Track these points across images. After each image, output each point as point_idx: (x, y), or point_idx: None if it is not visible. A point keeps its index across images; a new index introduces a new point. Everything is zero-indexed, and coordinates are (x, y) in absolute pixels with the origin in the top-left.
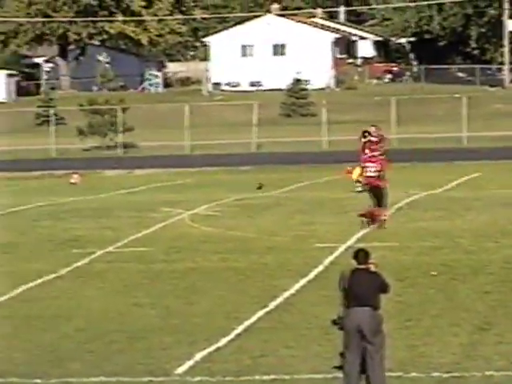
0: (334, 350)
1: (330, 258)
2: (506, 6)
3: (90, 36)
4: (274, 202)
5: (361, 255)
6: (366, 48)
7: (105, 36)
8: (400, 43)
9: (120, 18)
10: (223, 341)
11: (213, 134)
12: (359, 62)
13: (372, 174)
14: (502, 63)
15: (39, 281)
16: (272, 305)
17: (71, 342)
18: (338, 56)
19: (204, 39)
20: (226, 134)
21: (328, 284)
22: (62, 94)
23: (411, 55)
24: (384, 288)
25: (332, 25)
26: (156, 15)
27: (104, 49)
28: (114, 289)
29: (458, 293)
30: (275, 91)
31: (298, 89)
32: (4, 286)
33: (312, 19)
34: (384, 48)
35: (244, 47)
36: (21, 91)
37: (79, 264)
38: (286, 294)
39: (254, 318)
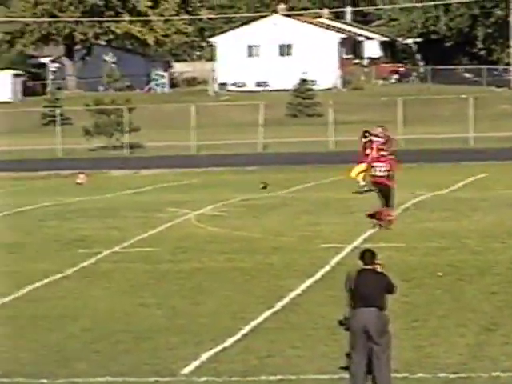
0: (341, 351)
1: (336, 259)
2: None
3: (96, 36)
4: (280, 203)
5: (367, 256)
6: (372, 48)
7: (111, 36)
8: (406, 44)
9: (126, 18)
10: (229, 341)
11: (219, 135)
12: (366, 62)
13: (381, 174)
14: (508, 64)
15: (45, 281)
16: (278, 305)
17: (77, 342)
18: (345, 56)
19: (210, 39)
20: (232, 135)
21: (334, 284)
22: (68, 94)
23: (418, 56)
24: (390, 288)
25: (338, 25)
26: (162, 15)
27: (110, 49)
28: (120, 289)
29: (465, 293)
30: (281, 91)
31: (304, 89)
32: (10, 286)
33: (318, 19)
34: (390, 48)
35: (250, 47)
36: (27, 91)
37: (85, 264)
38: (293, 295)
39: (260, 319)
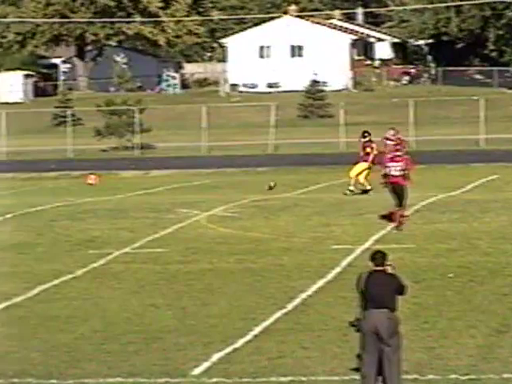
0: (351, 352)
1: (348, 260)
2: None
3: (108, 37)
4: (291, 204)
5: (378, 257)
6: (383, 50)
7: (122, 37)
8: (418, 45)
9: (137, 18)
10: (240, 342)
11: (230, 136)
12: (377, 63)
13: (397, 173)
14: None
15: (56, 281)
16: (289, 306)
17: (88, 343)
18: (356, 58)
19: (221, 40)
20: (243, 136)
21: (345, 285)
22: (79, 95)
23: (429, 57)
24: (401, 290)
25: (350, 26)
26: (173, 16)
27: (121, 49)
28: (131, 290)
29: (476, 295)
30: (293, 92)
31: (315, 90)
32: (20, 287)
33: (330, 21)
34: (402, 50)
35: (261, 48)
36: (38, 92)
37: (96, 265)
38: (304, 296)
39: (271, 320)
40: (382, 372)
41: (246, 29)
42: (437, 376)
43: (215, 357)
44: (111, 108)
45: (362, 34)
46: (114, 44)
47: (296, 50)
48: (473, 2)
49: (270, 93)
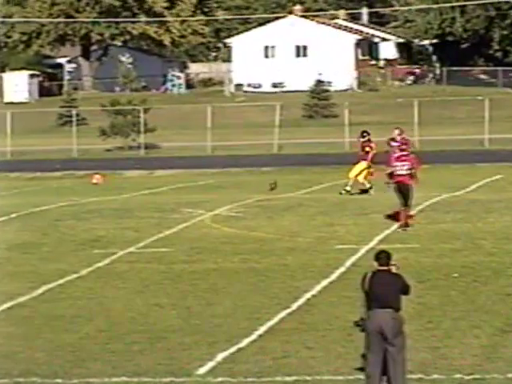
0: (356, 352)
1: (352, 260)
2: None
3: (113, 36)
4: (295, 203)
5: (382, 257)
6: (388, 50)
7: (127, 37)
8: (422, 45)
9: (143, 18)
10: (245, 341)
11: (235, 135)
12: (382, 63)
13: (403, 172)
14: None
15: (60, 281)
16: (293, 306)
17: (92, 343)
18: (361, 57)
19: (226, 40)
20: (248, 135)
21: (349, 285)
22: (85, 95)
23: (434, 57)
24: (405, 289)
25: (355, 26)
26: (178, 16)
27: (126, 49)
28: (135, 289)
29: (480, 295)
30: (297, 92)
31: (320, 90)
32: (25, 286)
33: (334, 21)
34: (406, 50)
35: (266, 48)
36: (43, 91)
37: (100, 264)
38: (308, 295)
39: (275, 319)
40: (386, 372)
41: (250, 29)
42: (441, 376)
43: (220, 356)
44: (116, 108)
45: (367, 33)
46: (119, 44)
47: (301, 50)
48: (477, 2)
49: (274, 93)
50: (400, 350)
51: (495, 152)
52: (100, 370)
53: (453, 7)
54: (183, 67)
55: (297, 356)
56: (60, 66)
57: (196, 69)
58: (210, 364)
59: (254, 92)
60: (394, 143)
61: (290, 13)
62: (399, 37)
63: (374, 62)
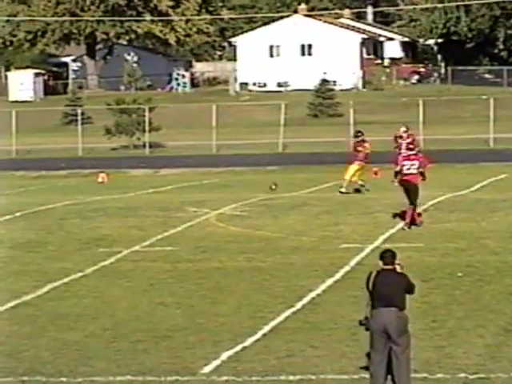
0: (361, 351)
1: (357, 259)
2: None
3: (118, 35)
4: (300, 202)
5: (387, 256)
6: (393, 49)
7: (132, 35)
8: (427, 44)
9: (148, 17)
10: (249, 340)
11: (240, 134)
12: (386, 62)
13: (410, 172)
14: None
15: (65, 279)
16: (298, 305)
17: (97, 341)
18: (366, 57)
19: (231, 39)
20: (253, 134)
21: (354, 284)
22: (90, 94)
23: (438, 56)
24: (410, 289)
25: (359, 25)
26: (183, 15)
27: (132, 48)
28: (140, 288)
29: (484, 294)
30: (302, 91)
31: (325, 89)
32: (31, 285)
33: (339, 20)
34: (411, 49)
35: (271, 47)
36: (48, 90)
37: (105, 263)
38: (312, 294)
39: (280, 318)
40: (390, 371)
41: (255, 28)
42: (446, 375)
43: (224, 355)
44: (121, 106)
45: (372, 33)
46: (124, 43)
47: (306, 49)
48: (482, 2)
49: (279, 92)
50: (404, 349)
51: (500, 151)
52: (105, 368)
53: (458, 6)
54: (188, 66)
55: (301, 355)
56: (65, 64)
57: (201, 68)
58: (215, 363)
59: (259, 91)
60: (401, 140)
61: (295, 12)
62: (404, 36)
63: (378, 61)
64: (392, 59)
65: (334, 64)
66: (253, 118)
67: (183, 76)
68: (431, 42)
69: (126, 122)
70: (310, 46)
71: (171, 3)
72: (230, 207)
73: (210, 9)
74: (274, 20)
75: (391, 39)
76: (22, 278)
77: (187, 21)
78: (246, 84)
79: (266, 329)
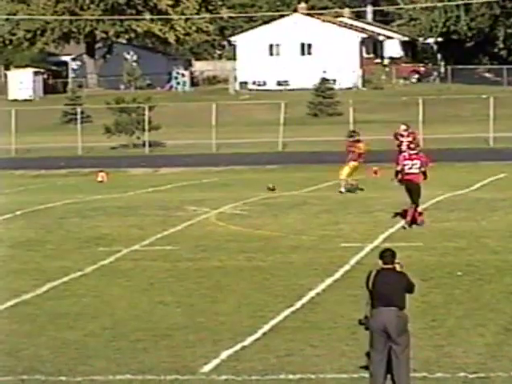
0: (360, 350)
1: (356, 258)
2: None
3: (118, 34)
4: (300, 202)
5: (387, 255)
6: (393, 48)
7: (132, 34)
8: (427, 43)
9: (147, 16)
10: (249, 339)
11: (239, 133)
12: (386, 61)
13: (412, 171)
14: None
15: (65, 278)
16: (298, 304)
17: (97, 340)
18: (365, 56)
19: (231, 38)
20: (253, 133)
21: (354, 283)
22: (89, 92)
23: (438, 55)
24: (409, 288)
25: (359, 24)
26: (183, 14)
27: (131, 47)
28: (140, 287)
29: (484, 293)
30: (302, 90)
31: (324, 88)
32: (30, 284)
33: (339, 19)
34: (411, 48)
35: (271, 46)
36: (48, 89)
37: (105, 262)
38: (312, 294)
39: (279, 317)
40: (390, 370)
41: (255, 27)
42: (445, 374)
43: (224, 354)
44: (121, 105)
45: (372, 32)
46: (123, 41)
47: (305, 48)
48: (482, 1)
49: (279, 91)
50: (404, 349)
51: (500, 150)
52: (104, 367)
53: (457, 5)
54: (188, 65)
55: (301, 354)
56: (64, 63)
57: (201, 67)
58: (215, 362)
59: (259, 90)
60: (402, 138)
61: (295, 11)
62: (404, 35)
63: (378, 61)
64: (392, 58)
65: (334, 63)
66: (252, 117)
67: (183, 75)
68: (431, 41)
69: (125, 120)
70: (309, 45)
71: (171, 2)
72: (230, 206)
73: (210, 7)
74: (273, 19)
75: (391, 38)
76: (21, 277)
77: (187, 20)
78: (246, 83)
79: (266, 328)
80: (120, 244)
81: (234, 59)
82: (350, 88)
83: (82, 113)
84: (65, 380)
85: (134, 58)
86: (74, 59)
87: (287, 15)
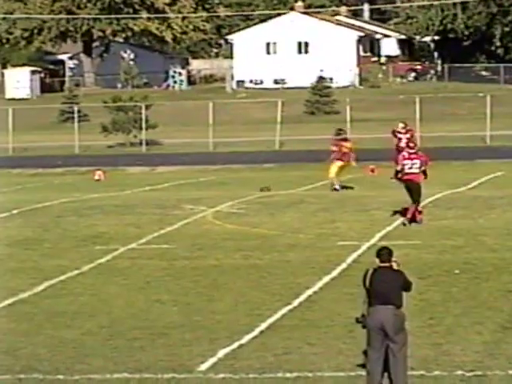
0: (358, 348)
1: (353, 256)
2: None
3: (114, 33)
4: (297, 200)
5: (384, 253)
6: (390, 46)
7: (129, 33)
8: (424, 42)
9: (144, 15)
10: (246, 338)
11: (236, 132)
12: (383, 60)
13: (412, 171)
14: None
15: (62, 277)
16: (295, 302)
17: (94, 339)
18: (362, 54)
19: (228, 37)
20: (250, 132)
21: (351, 282)
22: (86, 91)
23: (435, 54)
24: (406, 286)
25: (356, 23)
26: (180, 12)
27: (128, 46)
28: (137, 286)
29: (481, 291)
30: (299, 89)
31: (321, 87)
32: (27, 282)
33: (336, 17)
34: (408, 46)
35: (268, 45)
36: (45, 88)
37: (102, 261)
38: (309, 292)
39: (276, 316)
40: (387, 368)
41: (252, 25)
42: (443, 372)
43: (221, 353)
44: (118, 104)
45: (369, 30)
46: (120, 40)
47: (302, 47)
48: None
49: (276, 89)
50: (401, 347)
51: (497, 148)
52: (101, 366)
53: (454, 4)
54: (185, 64)
55: (298, 352)
56: (62, 62)
57: (197, 65)
58: (212, 360)
59: (256, 88)
60: (400, 135)
61: (292, 9)
62: (401, 33)
63: (375, 59)
64: (388, 56)
65: (331, 61)
66: (249, 116)
67: (180, 73)
68: (428, 39)
69: (122, 119)
70: (306, 44)
71: (168, 1)
72: (227, 205)
73: (207, 6)
74: (270, 17)
75: (388, 36)
76: (18, 276)
77: (183, 18)
78: (243, 81)
79: (263, 326)
80: (117, 242)
81: (231, 58)
82: (346, 86)
83: (79, 111)
84: (62, 379)
85: (131, 56)
86: (71, 58)
87: (284, 13)
